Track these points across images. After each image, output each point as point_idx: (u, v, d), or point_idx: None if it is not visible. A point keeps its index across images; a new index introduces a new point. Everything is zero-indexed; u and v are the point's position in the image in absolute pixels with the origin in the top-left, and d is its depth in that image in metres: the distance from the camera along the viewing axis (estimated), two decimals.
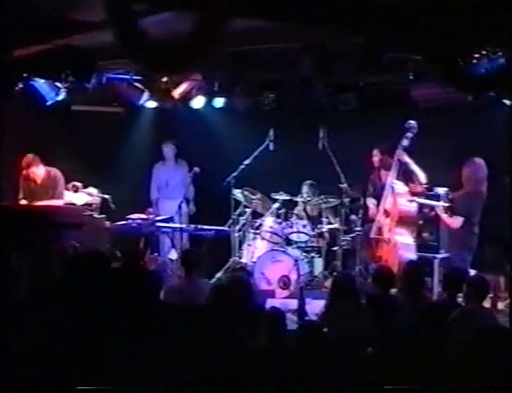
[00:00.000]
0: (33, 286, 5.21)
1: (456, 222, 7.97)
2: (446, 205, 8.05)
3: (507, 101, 8.16)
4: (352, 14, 5.24)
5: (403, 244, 8.34)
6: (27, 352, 3.82)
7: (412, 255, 8.19)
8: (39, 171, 8.71)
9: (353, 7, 5.13)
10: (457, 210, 7.97)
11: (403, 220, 8.43)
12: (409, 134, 8.44)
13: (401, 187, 8.52)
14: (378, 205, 8.79)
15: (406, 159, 8.51)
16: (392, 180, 8.56)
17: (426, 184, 8.49)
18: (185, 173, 9.95)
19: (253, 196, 9.42)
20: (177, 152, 10.22)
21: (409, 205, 8.44)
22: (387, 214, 8.58)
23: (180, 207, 9.22)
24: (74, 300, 4.09)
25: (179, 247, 9.24)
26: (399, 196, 8.47)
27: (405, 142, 8.48)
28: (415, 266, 6.64)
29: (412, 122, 8.45)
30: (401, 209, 8.43)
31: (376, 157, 9.06)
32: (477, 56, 6.69)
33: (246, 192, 9.38)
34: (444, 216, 8.10)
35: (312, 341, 4.31)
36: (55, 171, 8.81)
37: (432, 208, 8.35)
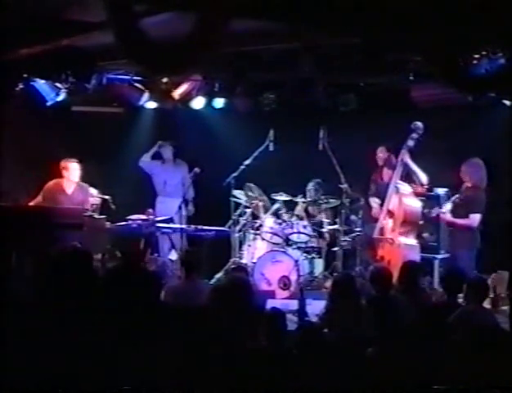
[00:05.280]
0: (33, 286, 5.20)
1: (474, 220, 7.81)
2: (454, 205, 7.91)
3: (507, 102, 8.16)
4: (352, 14, 5.24)
5: (407, 245, 8.28)
6: (27, 352, 3.81)
7: (416, 256, 8.13)
8: (71, 183, 8.68)
9: (353, 8, 5.13)
10: (471, 208, 7.84)
11: (408, 221, 8.34)
12: (414, 135, 8.36)
13: (406, 187, 8.45)
14: (381, 204, 8.71)
15: (408, 160, 8.47)
16: (396, 180, 8.50)
17: (427, 185, 8.47)
18: (184, 173, 9.93)
19: (254, 194, 9.41)
20: (175, 152, 10.20)
21: (415, 206, 8.37)
22: (391, 214, 8.50)
23: (180, 208, 9.21)
24: (74, 300, 4.09)
25: (179, 248, 9.24)
26: (404, 197, 8.40)
27: (410, 143, 8.41)
28: (413, 266, 6.63)
29: (418, 123, 8.37)
30: (406, 209, 8.34)
31: (382, 154, 8.95)
32: (477, 56, 6.69)
33: (247, 189, 9.37)
34: (459, 220, 7.88)
35: (313, 342, 4.31)
36: (86, 185, 8.83)
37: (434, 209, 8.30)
